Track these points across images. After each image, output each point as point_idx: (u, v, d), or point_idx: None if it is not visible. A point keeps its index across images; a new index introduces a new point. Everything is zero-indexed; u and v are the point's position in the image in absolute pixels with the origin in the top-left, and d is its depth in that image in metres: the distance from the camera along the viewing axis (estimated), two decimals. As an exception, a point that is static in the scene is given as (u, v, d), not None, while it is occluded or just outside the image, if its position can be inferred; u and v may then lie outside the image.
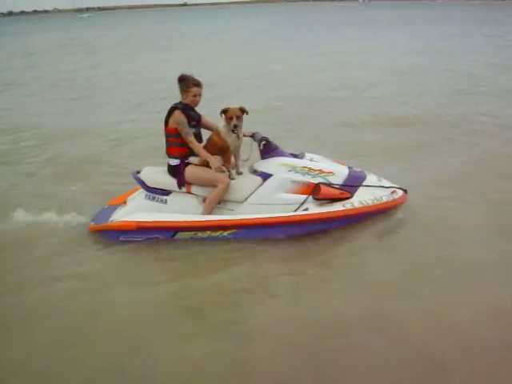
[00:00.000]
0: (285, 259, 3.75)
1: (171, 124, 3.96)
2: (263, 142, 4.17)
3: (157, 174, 4.21)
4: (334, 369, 2.61)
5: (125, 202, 4.47)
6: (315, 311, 3.11)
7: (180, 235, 4.01)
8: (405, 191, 4.34)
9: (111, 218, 4.23)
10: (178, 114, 3.93)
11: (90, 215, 4.44)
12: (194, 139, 4.00)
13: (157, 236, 4.01)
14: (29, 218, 4.48)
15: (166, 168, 4.18)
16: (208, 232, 3.99)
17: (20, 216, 4.50)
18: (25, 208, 4.62)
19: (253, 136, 4.32)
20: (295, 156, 4.29)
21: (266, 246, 3.89)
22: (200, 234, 4.00)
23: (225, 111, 4.04)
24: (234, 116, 4.00)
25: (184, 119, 3.94)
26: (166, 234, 4.01)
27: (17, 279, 3.63)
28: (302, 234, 3.98)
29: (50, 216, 4.51)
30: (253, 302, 3.31)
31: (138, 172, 4.27)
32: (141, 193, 4.31)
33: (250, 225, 3.96)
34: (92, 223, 4.24)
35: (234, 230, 3.97)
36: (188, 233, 4.00)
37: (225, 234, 3.99)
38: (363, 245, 3.90)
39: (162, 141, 4.16)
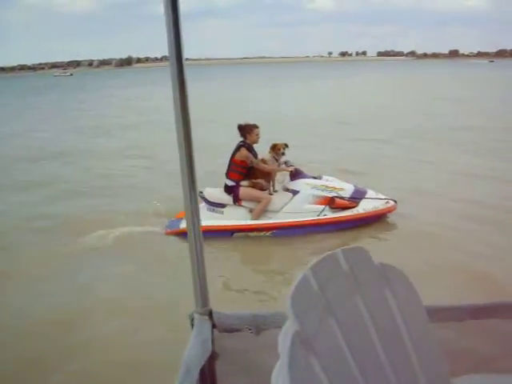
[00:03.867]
0: (312, 248, 5.37)
1: (238, 157, 5.65)
2: (291, 171, 5.87)
3: (216, 193, 5.87)
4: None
5: None
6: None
7: (236, 235, 5.64)
8: (395, 202, 5.99)
9: (181, 226, 5.84)
10: (244, 151, 5.62)
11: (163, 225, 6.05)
12: (262, 164, 5.71)
13: (219, 235, 5.62)
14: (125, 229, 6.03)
15: (221, 188, 5.85)
16: (255, 232, 5.62)
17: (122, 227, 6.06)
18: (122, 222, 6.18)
19: (285, 163, 5.99)
20: (315, 178, 5.97)
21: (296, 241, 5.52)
22: (250, 234, 5.62)
23: (274, 146, 5.79)
24: (281, 149, 5.74)
25: (249, 154, 5.63)
26: (226, 233, 5.63)
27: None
28: (322, 232, 5.60)
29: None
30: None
31: (201, 192, 5.93)
32: (203, 207, 5.94)
33: (285, 227, 5.61)
34: (168, 229, 5.87)
35: (275, 231, 5.60)
36: (241, 232, 5.63)
37: (267, 233, 5.62)
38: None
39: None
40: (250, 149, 5.74)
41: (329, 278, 0.77)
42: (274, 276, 4.92)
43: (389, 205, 5.90)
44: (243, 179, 5.79)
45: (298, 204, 5.74)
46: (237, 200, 5.78)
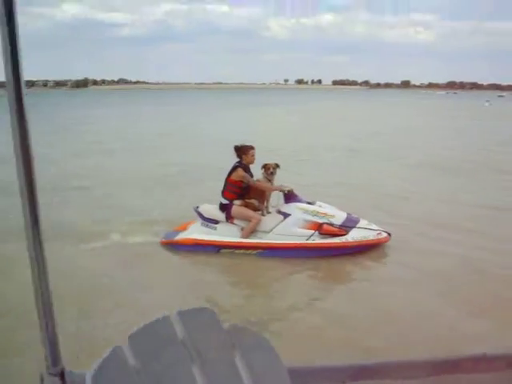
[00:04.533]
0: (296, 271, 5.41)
1: (234, 177, 5.86)
2: (286, 192, 5.97)
3: (211, 209, 6.08)
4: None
5: (185, 229, 6.32)
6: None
7: (223, 251, 5.78)
8: (388, 234, 5.92)
9: (176, 237, 6.08)
10: (240, 171, 5.83)
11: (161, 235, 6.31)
12: (259, 183, 5.93)
13: (206, 250, 5.79)
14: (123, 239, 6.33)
15: (217, 205, 6.05)
16: (242, 250, 5.73)
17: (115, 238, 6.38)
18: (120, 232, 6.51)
19: (280, 189, 6.11)
20: (309, 203, 6.03)
21: (281, 263, 5.57)
22: (237, 251, 5.75)
23: (264, 165, 5.96)
24: (270, 168, 5.91)
25: (245, 174, 5.83)
26: (214, 249, 5.79)
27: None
28: (308, 257, 5.63)
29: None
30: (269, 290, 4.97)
31: (198, 207, 6.16)
32: (198, 221, 6.16)
33: (273, 247, 5.69)
34: (163, 239, 6.12)
35: (261, 250, 5.69)
36: (229, 249, 5.76)
37: (254, 252, 5.72)
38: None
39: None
40: (246, 169, 5.93)
41: (155, 349, 0.62)
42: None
43: (380, 236, 5.84)
44: (237, 198, 5.96)
45: (288, 227, 5.82)
46: (229, 217, 5.95)
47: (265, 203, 6.09)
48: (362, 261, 5.68)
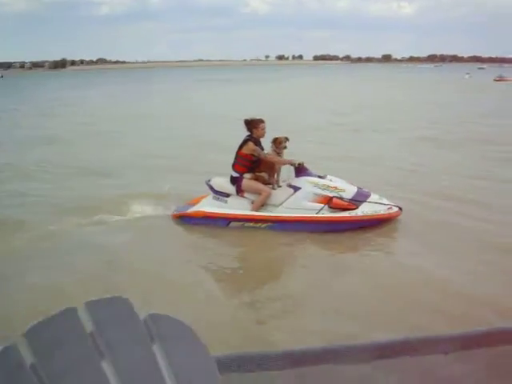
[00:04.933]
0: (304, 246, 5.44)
1: (244, 150, 5.84)
2: (296, 166, 5.94)
3: (222, 182, 6.11)
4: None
5: (197, 202, 6.39)
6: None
7: (233, 224, 5.83)
8: (400, 208, 5.85)
9: (187, 211, 6.16)
10: (251, 144, 5.82)
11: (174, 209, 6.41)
12: (270, 156, 5.90)
13: (216, 223, 5.86)
14: (141, 210, 6.47)
15: (228, 179, 6.07)
16: (252, 223, 5.77)
17: (135, 208, 6.52)
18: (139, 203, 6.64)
19: (291, 163, 6.08)
20: (320, 177, 5.99)
21: (290, 237, 5.60)
22: (246, 224, 5.79)
23: (275, 139, 5.91)
24: (282, 142, 5.87)
25: (256, 147, 5.82)
26: (223, 222, 5.85)
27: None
28: (317, 231, 5.63)
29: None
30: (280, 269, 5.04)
31: (209, 180, 6.20)
32: (210, 195, 6.21)
33: (283, 221, 5.71)
34: (175, 212, 6.21)
35: (270, 224, 5.72)
36: (238, 222, 5.81)
37: (263, 225, 5.75)
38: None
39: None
40: (257, 143, 5.91)
41: (57, 345, 0.51)
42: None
43: (391, 211, 5.78)
44: (247, 172, 5.97)
45: (297, 200, 5.81)
46: (239, 191, 5.97)
47: (275, 177, 6.09)
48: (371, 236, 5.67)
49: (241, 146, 5.94)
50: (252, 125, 5.89)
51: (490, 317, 3.68)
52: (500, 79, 46.53)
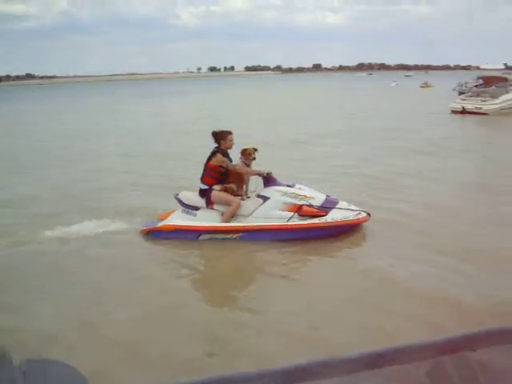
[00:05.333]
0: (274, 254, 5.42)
1: (213, 162, 5.83)
2: (265, 176, 5.96)
3: (191, 196, 6.06)
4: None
5: (167, 217, 6.31)
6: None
7: (203, 237, 5.77)
8: (368, 214, 5.94)
9: (158, 225, 6.07)
10: (219, 156, 5.81)
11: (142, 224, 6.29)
12: (239, 167, 5.91)
13: (186, 236, 5.78)
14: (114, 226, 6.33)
15: (197, 192, 6.03)
16: (223, 234, 5.72)
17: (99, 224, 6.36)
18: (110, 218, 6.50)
19: (259, 173, 6.10)
20: (288, 186, 6.03)
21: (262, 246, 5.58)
22: (217, 236, 5.74)
23: (243, 151, 5.94)
24: (252, 153, 5.93)
25: (225, 159, 5.82)
26: (193, 235, 5.78)
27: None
28: (287, 239, 5.63)
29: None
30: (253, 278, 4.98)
31: (177, 194, 6.14)
32: (179, 209, 6.14)
33: (253, 230, 5.69)
34: (144, 227, 6.10)
35: (241, 234, 5.69)
36: (208, 235, 5.75)
37: (234, 236, 5.71)
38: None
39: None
40: (225, 154, 5.92)
41: None
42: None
43: (360, 216, 5.86)
44: (216, 183, 5.95)
45: (267, 210, 5.81)
46: (209, 203, 5.93)
47: (244, 187, 6.09)
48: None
49: (209, 158, 5.93)
50: (220, 136, 5.90)
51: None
52: (425, 85, 49.65)
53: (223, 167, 5.89)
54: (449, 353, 0.86)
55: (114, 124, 21.31)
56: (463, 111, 20.93)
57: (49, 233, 6.03)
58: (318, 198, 5.89)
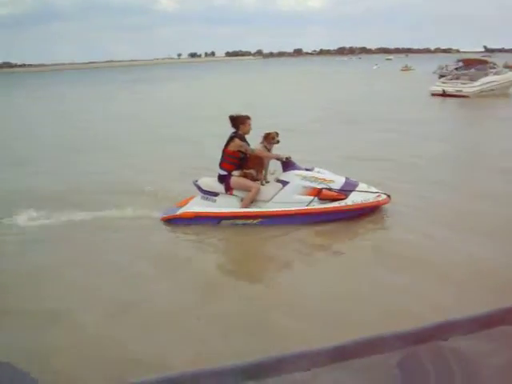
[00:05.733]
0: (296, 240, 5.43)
1: (231, 147, 5.81)
2: (284, 160, 5.94)
3: (210, 182, 6.07)
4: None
5: (186, 203, 6.33)
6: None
7: (223, 222, 5.79)
8: (388, 196, 5.90)
9: (177, 212, 6.10)
10: (238, 141, 5.79)
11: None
12: (257, 151, 5.87)
13: (207, 222, 5.81)
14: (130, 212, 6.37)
15: (216, 178, 6.03)
16: (243, 220, 5.74)
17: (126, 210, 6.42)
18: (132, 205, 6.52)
19: (278, 157, 6.08)
20: (307, 169, 6.00)
21: (283, 231, 5.59)
22: (237, 222, 5.76)
23: (267, 135, 5.95)
24: (275, 137, 5.91)
25: (243, 143, 5.80)
26: (214, 220, 5.80)
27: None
28: (308, 222, 5.63)
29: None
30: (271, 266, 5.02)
31: (196, 180, 6.15)
32: (198, 195, 6.16)
33: (273, 215, 5.69)
34: (164, 215, 6.13)
35: (261, 219, 5.70)
36: (229, 220, 5.78)
37: (254, 221, 5.73)
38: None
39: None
40: (243, 139, 5.89)
41: None
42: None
43: (380, 198, 5.83)
44: (235, 169, 5.94)
45: (287, 194, 5.81)
46: (228, 189, 5.94)
47: (263, 172, 6.08)
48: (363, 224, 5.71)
49: (227, 144, 5.91)
50: (239, 121, 5.87)
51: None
52: (406, 69, 50.88)
53: (242, 152, 5.87)
54: (420, 343, 0.87)
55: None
56: (443, 94, 21.37)
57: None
58: (337, 181, 5.86)
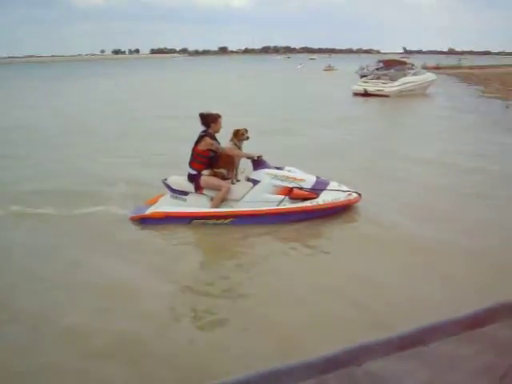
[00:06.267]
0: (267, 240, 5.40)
1: (201, 146, 5.69)
2: (255, 159, 5.87)
3: (179, 181, 5.95)
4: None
5: (156, 202, 6.20)
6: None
7: (194, 222, 5.70)
8: (359, 194, 5.93)
9: (146, 211, 5.96)
10: (208, 139, 5.67)
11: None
12: (228, 149, 5.79)
13: (178, 222, 5.70)
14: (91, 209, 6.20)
15: (186, 177, 5.91)
16: (214, 220, 5.67)
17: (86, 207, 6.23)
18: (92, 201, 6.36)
19: (250, 156, 5.99)
20: (278, 168, 5.96)
21: (254, 230, 5.54)
22: (208, 222, 5.68)
23: (236, 131, 5.85)
24: (245, 133, 5.84)
25: (214, 142, 5.69)
26: (185, 220, 5.70)
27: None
28: (279, 223, 5.61)
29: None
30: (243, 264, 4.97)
31: (165, 179, 6.02)
32: (167, 194, 6.04)
33: (245, 215, 5.64)
34: (133, 214, 5.98)
35: (232, 219, 5.64)
36: (200, 220, 5.69)
37: (225, 221, 5.66)
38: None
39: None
40: (213, 138, 5.78)
41: None
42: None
43: (351, 197, 5.86)
44: (205, 168, 5.84)
45: (257, 193, 5.76)
46: (198, 188, 5.84)
47: (234, 171, 6.00)
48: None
49: (197, 142, 5.79)
50: (210, 119, 5.75)
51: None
52: (329, 69, 52.52)
53: (212, 151, 5.77)
54: (402, 349, 0.91)
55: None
56: (365, 93, 22.18)
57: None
58: (308, 180, 5.85)
